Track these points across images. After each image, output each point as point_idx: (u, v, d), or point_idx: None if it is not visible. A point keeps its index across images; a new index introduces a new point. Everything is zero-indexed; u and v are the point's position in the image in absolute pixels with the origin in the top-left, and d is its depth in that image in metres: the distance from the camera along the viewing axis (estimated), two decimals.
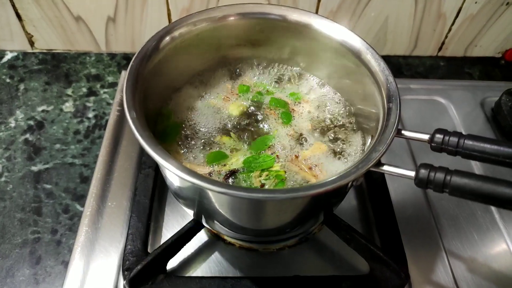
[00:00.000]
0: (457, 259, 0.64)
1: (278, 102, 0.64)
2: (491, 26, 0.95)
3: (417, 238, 0.65)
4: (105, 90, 0.87)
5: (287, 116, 0.62)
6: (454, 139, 0.44)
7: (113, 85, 0.88)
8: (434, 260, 0.63)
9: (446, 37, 0.97)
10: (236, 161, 0.55)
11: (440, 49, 1.00)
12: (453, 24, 0.94)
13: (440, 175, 0.41)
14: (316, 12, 0.89)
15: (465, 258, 0.64)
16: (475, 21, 0.94)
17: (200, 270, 0.59)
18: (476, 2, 0.89)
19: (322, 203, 0.52)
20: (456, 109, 0.86)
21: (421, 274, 0.61)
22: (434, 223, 0.67)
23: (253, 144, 0.58)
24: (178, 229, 0.58)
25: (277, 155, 0.56)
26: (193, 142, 0.58)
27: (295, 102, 0.64)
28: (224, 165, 0.55)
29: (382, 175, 0.68)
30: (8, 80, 0.88)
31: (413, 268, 0.61)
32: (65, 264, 0.62)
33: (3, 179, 0.72)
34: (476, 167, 0.76)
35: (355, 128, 0.61)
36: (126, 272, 0.54)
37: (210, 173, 0.55)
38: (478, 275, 0.62)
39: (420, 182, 0.42)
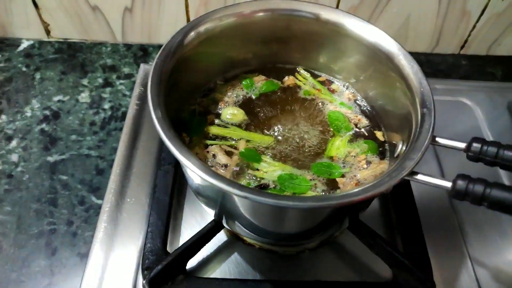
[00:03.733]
0: (482, 268, 0.62)
1: (336, 117, 0.58)
2: None
3: (441, 245, 0.62)
4: (121, 81, 0.86)
5: (373, 147, 0.56)
6: (493, 149, 0.42)
7: (129, 76, 0.87)
8: (459, 268, 0.61)
9: (469, 35, 0.95)
10: (272, 172, 0.52)
11: (462, 47, 0.98)
12: (477, 21, 0.91)
13: (479, 188, 0.39)
14: (337, 7, 0.87)
15: (491, 267, 0.62)
16: (500, 19, 0.91)
17: (220, 271, 0.58)
18: (502, 0, 0.87)
19: (350, 210, 0.50)
20: (483, 111, 0.83)
21: (446, 283, 0.59)
22: (459, 230, 0.65)
23: (314, 166, 0.54)
24: (197, 227, 0.58)
25: (315, 183, 0.52)
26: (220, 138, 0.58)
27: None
28: (258, 169, 0.53)
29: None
30: (24, 69, 0.86)
31: (437, 276, 0.58)
32: (81, 256, 0.61)
33: (19, 169, 0.71)
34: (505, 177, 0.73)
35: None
36: (145, 272, 0.53)
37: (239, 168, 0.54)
38: (504, 285, 0.60)
39: (457, 194, 0.40)
